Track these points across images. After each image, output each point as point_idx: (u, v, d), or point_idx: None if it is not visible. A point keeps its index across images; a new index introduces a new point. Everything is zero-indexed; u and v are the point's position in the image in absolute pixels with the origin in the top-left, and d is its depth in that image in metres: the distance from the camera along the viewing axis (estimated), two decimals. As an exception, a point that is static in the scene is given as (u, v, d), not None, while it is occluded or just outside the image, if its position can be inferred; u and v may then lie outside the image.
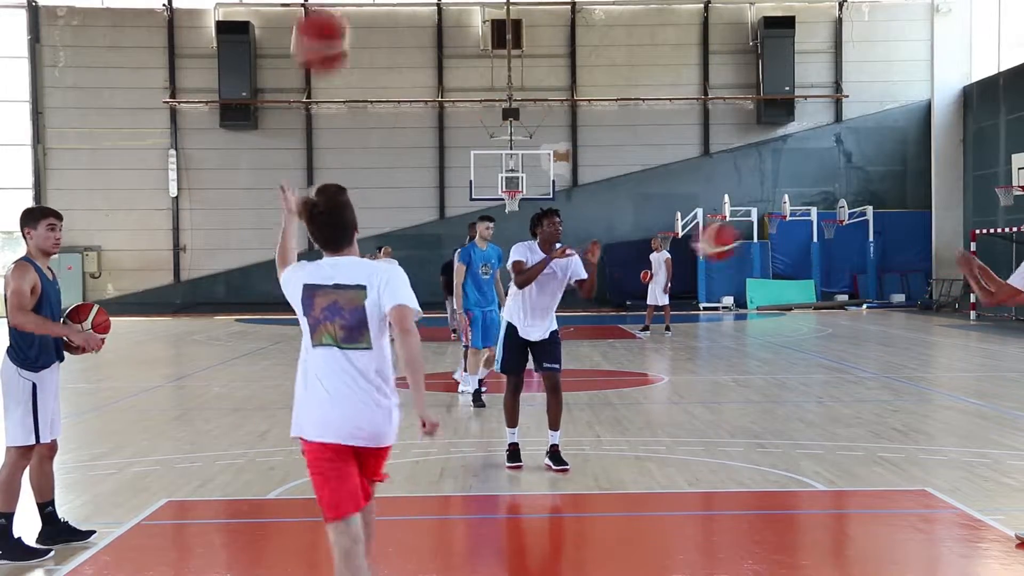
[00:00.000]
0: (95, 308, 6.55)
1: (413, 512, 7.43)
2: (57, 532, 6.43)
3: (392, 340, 4.48)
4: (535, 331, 8.44)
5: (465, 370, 12.82)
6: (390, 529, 6.94)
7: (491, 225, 12.18)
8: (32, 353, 6.25)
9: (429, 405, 4.62)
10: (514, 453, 8.59)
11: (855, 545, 6.49)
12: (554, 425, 8.45)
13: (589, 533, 7.08)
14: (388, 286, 4.49)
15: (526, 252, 8.50)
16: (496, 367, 8.84)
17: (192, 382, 15.32)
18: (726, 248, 8.84)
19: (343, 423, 4.40)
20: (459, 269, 12.11)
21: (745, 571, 5.79)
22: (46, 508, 6.43)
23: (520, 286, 8.40)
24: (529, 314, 8.44)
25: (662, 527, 7.07)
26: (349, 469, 4.40)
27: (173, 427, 11.20)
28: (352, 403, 4.42)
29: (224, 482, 8.34)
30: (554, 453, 8.46)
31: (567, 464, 8.42)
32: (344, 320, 4.47)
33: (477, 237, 12.21)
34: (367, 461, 4.51)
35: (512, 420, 8.58)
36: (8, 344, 6.27)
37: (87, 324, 6.45)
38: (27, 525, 6.52)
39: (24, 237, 6.37)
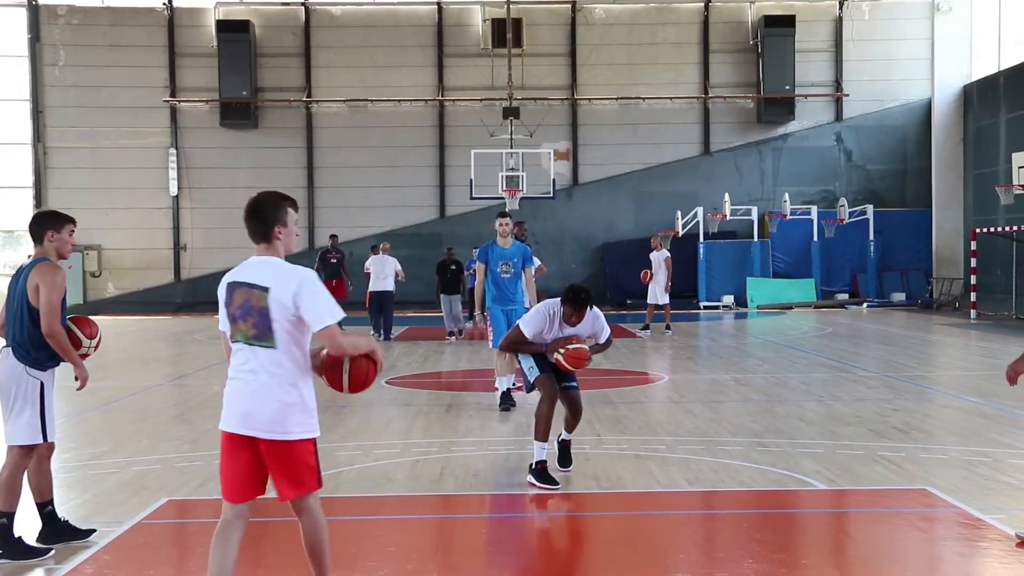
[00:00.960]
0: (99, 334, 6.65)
1: (413, 511, 7.44)
2: (57, 531, 6.43)
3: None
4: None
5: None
6: (390, 529, 6.94)
7: (505, 222, 11.85)
8: (43, 355, 6.28)
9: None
10: (543, 472, 7.83)
11: (855, 544, 6.49)
12: (569, 430, 8.31)
13: (589, 532, 7.09)
14: (305, 303, 4.62)
15: (543, 323, 7.92)
16: (530, 374, 8.22)
17: (192, 381, 15.32)
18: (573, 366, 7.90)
19: (237, 411, 4.67)
20: (478, 268, 11.89)
21: (745, 570, 5.79)
22: (46, 508, 6.43)
23: (503, 348, 8.46)
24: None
25: (662, 526, 7.07)
26: (240, 458, 4.68)
27: (173, 426, 11.20)
28: (248, 394, 4.65)
29: (224, 481, 8.34)
30: (564, 447, 8.33)
31: (571, 465, 8.33)
32: (254, 318, 4.66)
33: (497, 235, 11.91)
34: (270, 458, 4.68)
35: (543, 432, 7.85)
36: (16, 343, 6.26)
37: (92, 342, 6.54)
38: (27, 525, 6.52)
39: (44, 239, 6.39)
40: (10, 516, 6.22)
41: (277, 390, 4.63)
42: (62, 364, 6.43)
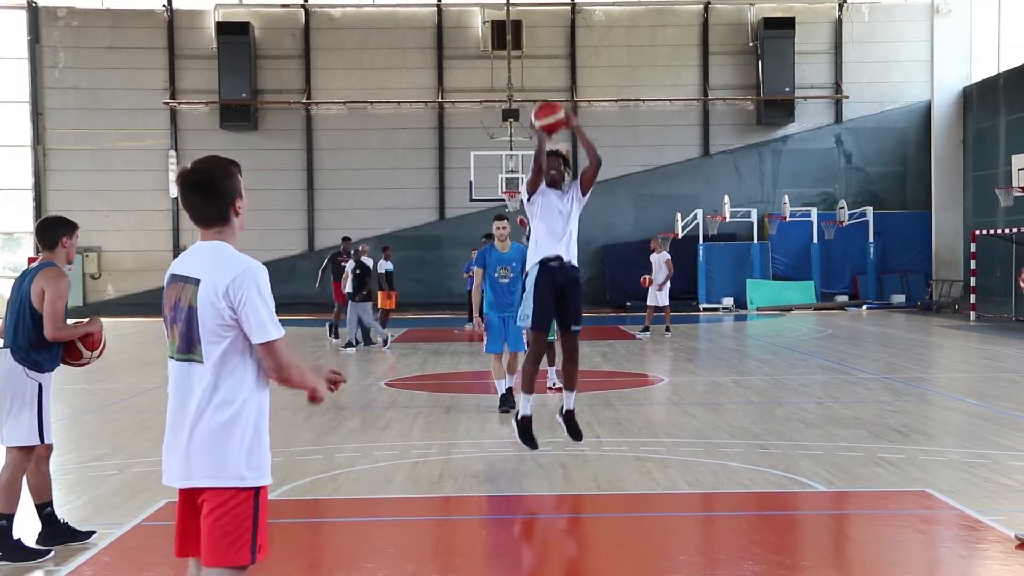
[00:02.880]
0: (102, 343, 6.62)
1: (413, 512, 7.44)
2: (57, 533, 6.43)
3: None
4: (560, 249, 8.24)
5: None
6: (390, 530, 6.94)
7: (502, 225, 11.50)
8: (43, 357, 6.29)
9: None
10: (527, 431, 8.39)
11: (855, 546, 6.49)
12: (570, 384, 8.40)
13: (589, 534, 7.09)
14: (244, 307, 3.65)
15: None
16: (523, 322, 8.52)
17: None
18: (554, 119, 8.23)
19: (167, 456, 3.76)
20: (476, 272, 11.57)
21: (745, 572, 5.79)
22: (45, 509, 6.44)
23: (532, 186, 8.37)
24: (548, 240, 8.29)
25: (662, 528, 7.06)
26: (182, 509, 3.77)
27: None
28: (175, 432, 3.71)
29: (224, 483, 8.33)
30: (569, 418, 8.45)
31: (582, 438, 8.59)
32: (180, 323, 3.71)
33: (495, 239, 11.58)
34: (203, 507, 3.69)
35: (529, 385, 8.29)
36: (16, 345, 6.26)
37: (93, 353, 6.52)
38: (27, 526, 6.52)
39: (58, 244, 6.40)
40: (9, 518, 6.22)
41: (208, 419, 3.67)
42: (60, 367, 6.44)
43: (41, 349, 6.26)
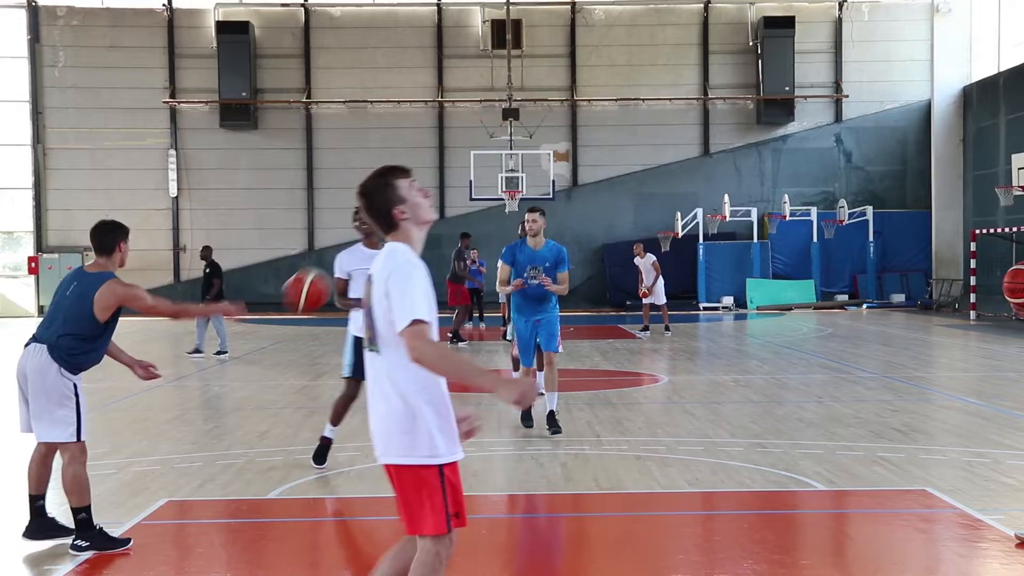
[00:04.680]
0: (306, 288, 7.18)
1: (413, 512, 7.42)
2: (44, 527, 6.46)
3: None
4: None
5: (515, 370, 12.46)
6: (390, 530, 6.93)
7: (534, 218, 9.96)
8: (81, 360, 6.34)
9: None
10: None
11: (855, 545, 6.49)
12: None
13: (589, 533, 7.08)
14: (392, 296, 3.89)
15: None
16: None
17: (192, 382, 15.31)
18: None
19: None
20: (501, 269, 10.02)
21: (745, 571, 5.79)
22: (37, 501, 6.47)
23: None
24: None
25: (662, 527, 7.06)
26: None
27: (173, 427, 11.19)
28: (374, 413, 4.07)
29: (224, 482, 8.34)
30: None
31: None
32: (368, 318, 4.06)
33: (526, 233, 10.11)
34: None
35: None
36: (54, 344, 6.27)
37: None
38: (16, 518, 6.52)
39: (115, 249, 6.47)
40: (87, 510, 6.30)
41: (395, 400, 3.97)
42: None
43: (86, 352, 6.33)
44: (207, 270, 18.91)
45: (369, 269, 4.11)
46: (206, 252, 19.11)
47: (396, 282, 3.89)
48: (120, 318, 6.56)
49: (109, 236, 6.44)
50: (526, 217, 10.02)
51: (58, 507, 6.73)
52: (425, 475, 3.92)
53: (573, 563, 6.39)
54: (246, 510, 7.45)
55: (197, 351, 18.52)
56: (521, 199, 29.09)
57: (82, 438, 6.33)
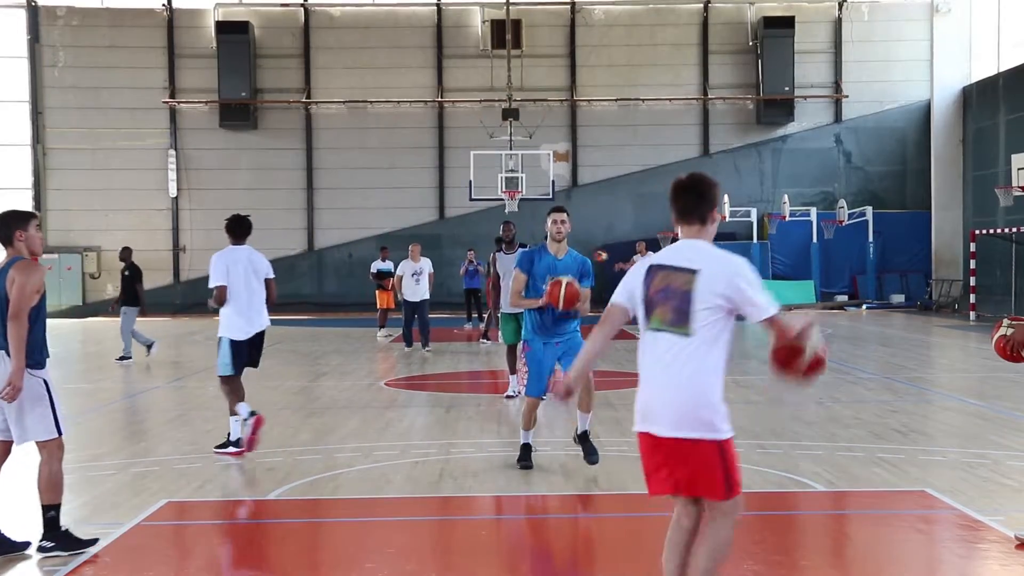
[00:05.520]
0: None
1: (412, 513, 7.44)
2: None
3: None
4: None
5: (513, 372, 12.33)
6: (390, 529, 6.94)
7: (560, 218, 8.53)
8: (40, 354, 6.27)
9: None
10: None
11: (855, 546, 6.49)
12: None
13: (589, 533, 7.09)
14: (745, 292, 4.39)
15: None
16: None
17: (191, 382, 15.30)
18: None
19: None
20: (516, 277, 8.62)
21: (745, 571, 5.80)
22: None
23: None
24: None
25: (662, 527, 7.05)
26: None
27: (172, 428, 11.19)
28: (678, 390, 4.46)
29: (224, 482, 8.34)
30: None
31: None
32: (673, 302, 4.45)
33: (548, 238, 8.60)
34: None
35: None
36: (3, 345, 6.19)
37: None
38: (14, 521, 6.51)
39: (13, 240, 6.27)
40: (56, 508, 6.27)
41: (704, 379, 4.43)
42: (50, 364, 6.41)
43: (37, 347, 6.24)
44: (126, 272, 18.17)
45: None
46: (125, 254, 18.47)
47: (749, 276, 4.45)
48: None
49: (5, 230, 6.27)
50: (552, 218, 8.53)
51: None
52: (726, 446, 4.44)
53: (573, 563, 6.39)
54: (246, 510, 7.45)
55: (126, 357, 17.51)
56: (521, 199, 29.10)
57: (62, 432, 6.28)
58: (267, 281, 9.27)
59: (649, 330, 4.50)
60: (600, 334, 4.69)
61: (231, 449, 9.06)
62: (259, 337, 9.25)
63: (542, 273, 8.40)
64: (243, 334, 9.10)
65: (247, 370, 9.25)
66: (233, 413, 9.10)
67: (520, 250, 12.65)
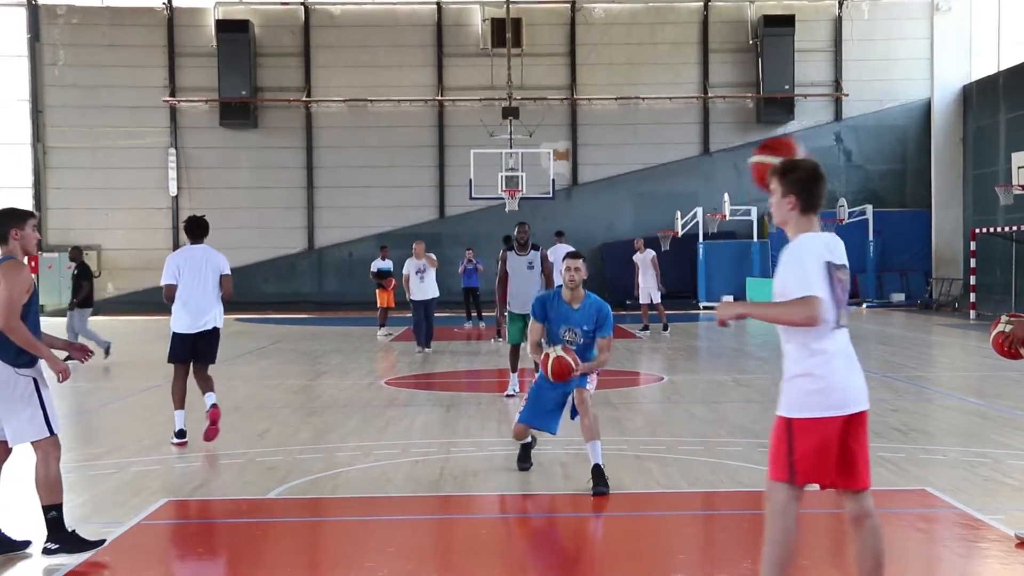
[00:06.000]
0: None
1: (412, 512, 7.44)
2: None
3: None
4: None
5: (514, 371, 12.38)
6: (390, 529, 6.94)
7: (575, 265, 7.97)
8: (27, 353, 6.19)
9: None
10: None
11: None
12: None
13: (589, 533, 7.09)
14: (846, 279, 4.60)
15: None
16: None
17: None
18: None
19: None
20: (532, 328, 8.17)
21: (745, 571, 5.80)
22: None
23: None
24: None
25: (662, 527, 7.06)
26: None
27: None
28: (859, 372, 4.70)
29: (224, 482, 8.34)
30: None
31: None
32: (846, 299, 4.63)
33: (563, 285, 8.00)
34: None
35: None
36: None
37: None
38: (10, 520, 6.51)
39: (9, 238, 6.26)
40: (58, 508, 6.23)
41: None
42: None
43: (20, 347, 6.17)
44: (75, 272, 17.99)
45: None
46: (75, 253, 18.48)
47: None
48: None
49: (0, 227, 6.27)
50: (566, 264, 7.95)
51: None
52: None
53: (573, 563, 6.38)
54: (246, 510, 7.45)
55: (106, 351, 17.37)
56: (521, 198, 29.10)
57: (54, 432, 6.24)
58: (222, 277, 9.91)
59: (838, 327, 4.57)
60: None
61: (174, 440, 9.73)
62: (209, 334, 9.87)
63: (556, 322, 7.96)
64: (186, 328, 9.79)
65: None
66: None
67: (532, 252, 12.81)
